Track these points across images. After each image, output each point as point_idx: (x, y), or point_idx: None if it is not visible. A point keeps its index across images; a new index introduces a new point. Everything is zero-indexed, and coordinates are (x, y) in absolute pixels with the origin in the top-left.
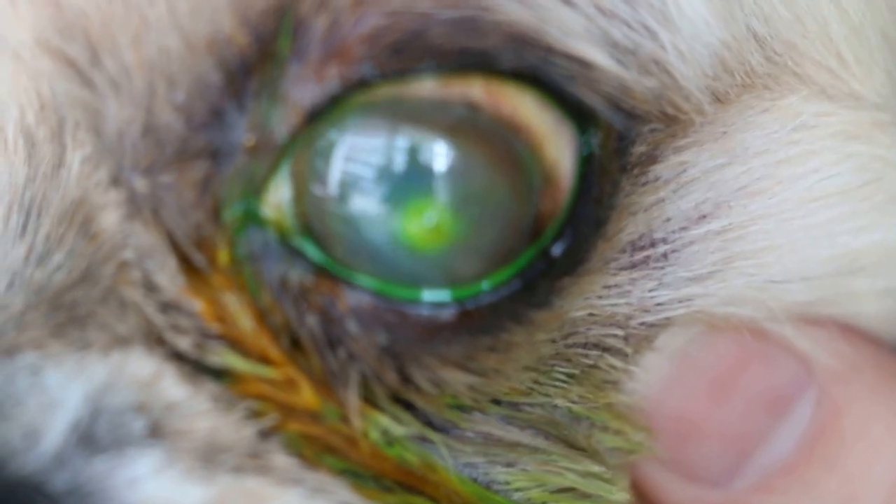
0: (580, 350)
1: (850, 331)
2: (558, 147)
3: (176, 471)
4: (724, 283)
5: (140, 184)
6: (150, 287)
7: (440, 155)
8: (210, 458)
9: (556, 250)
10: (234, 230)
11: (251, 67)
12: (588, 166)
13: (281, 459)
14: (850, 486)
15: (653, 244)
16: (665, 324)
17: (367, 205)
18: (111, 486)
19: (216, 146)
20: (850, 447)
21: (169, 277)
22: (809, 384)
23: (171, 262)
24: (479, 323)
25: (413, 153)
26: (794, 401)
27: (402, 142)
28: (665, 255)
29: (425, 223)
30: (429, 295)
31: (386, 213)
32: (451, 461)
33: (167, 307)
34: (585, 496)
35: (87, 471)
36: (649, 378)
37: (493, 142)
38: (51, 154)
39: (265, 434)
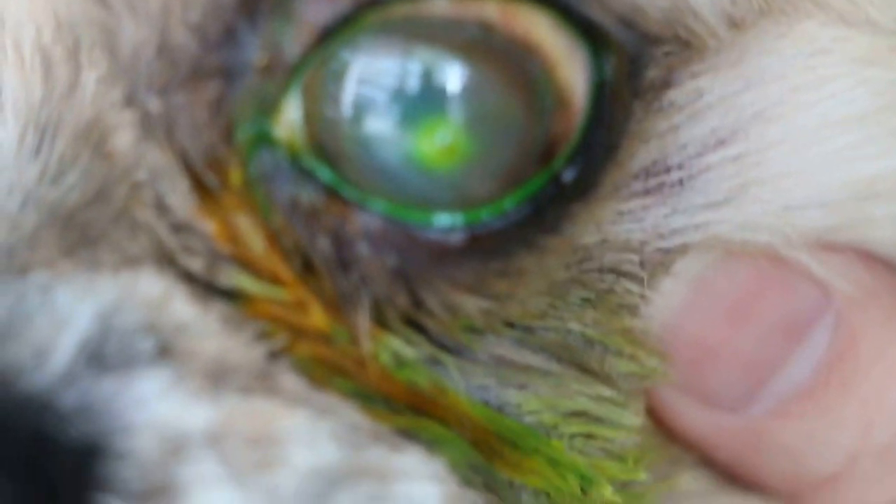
0: (595, 275)
1: (867, 257)
2: (572, 70)
3: (184, 391)
4: (740, 209)
5: (154, 104)
6: (162, 208)
7: (453, 75)
8: (218, 378)
9: (567, 176)
10: (247, 150)
11: None
12: (601, 91)
13: (289, 381)
14: (866, 410)
15: (667, 170)
16: (681, 250)
17: (379, 125)
18: (119, 405)
19: (229, 66)
20: (866, 372)
21: (181, 198)
22: (827, 310)
23: (184, 183)
24: (489, 247)
25: (426, 73)
26: (811, 326)
27: (415, 62)
28: (680, 182)
29: (438, 143)
30: (439, 218)
31: (399, 134)
32: (462, 384)
33: (179, 228)
34: (597, 420)
35: (95, 390)
36: (666, 303)
37: (507, 62)
38: (67, 74)
39: (274, 355)
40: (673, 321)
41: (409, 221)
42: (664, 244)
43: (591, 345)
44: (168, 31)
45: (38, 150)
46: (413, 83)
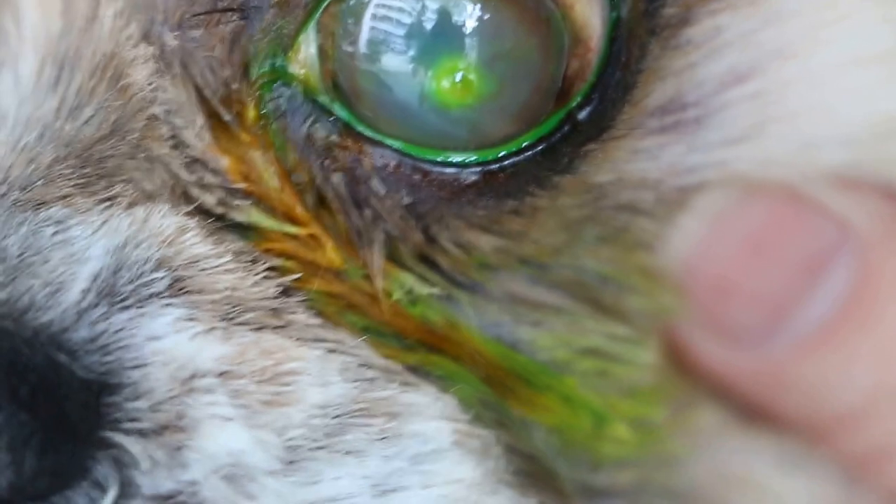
0: (610, 212)
1: (887, 193)
2: (588, 8)
3: (196, 326)
4: (758, 147)
5: (170, 39)
6: (177, 143)
7: (470, 13)
8: (230, 314)
9: (582, 115)
10: (262, 87)
11: None
12: (617, 29)
13: (301, 317)
14: (885, 346)
15: (684, 108)
16: (699, 187)
17: (395, 62)
18: (131, 340)
19: (246, 2)
20: (885, 308)
21: (196, 134)
22: (846, 246)
23: (199, 119)
24: (503, 185)
25: (443, 11)
26: (830, 263)
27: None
28: (697, 119)
29: (454, 80)
30: (454, 156)
31: (414, 71)
32: (475, 320)
33: (194, 163)
34: (611, 358)
35: (107, 324)
36: (684, 239)
37: (524, 1)
38: (85, 8)
39: (287, 291)
40: (691, 257)
41: (423, 159)
42: (681, 181)
43: (606, 282)
44: None
45: (56, 84)
46: (429, 21)
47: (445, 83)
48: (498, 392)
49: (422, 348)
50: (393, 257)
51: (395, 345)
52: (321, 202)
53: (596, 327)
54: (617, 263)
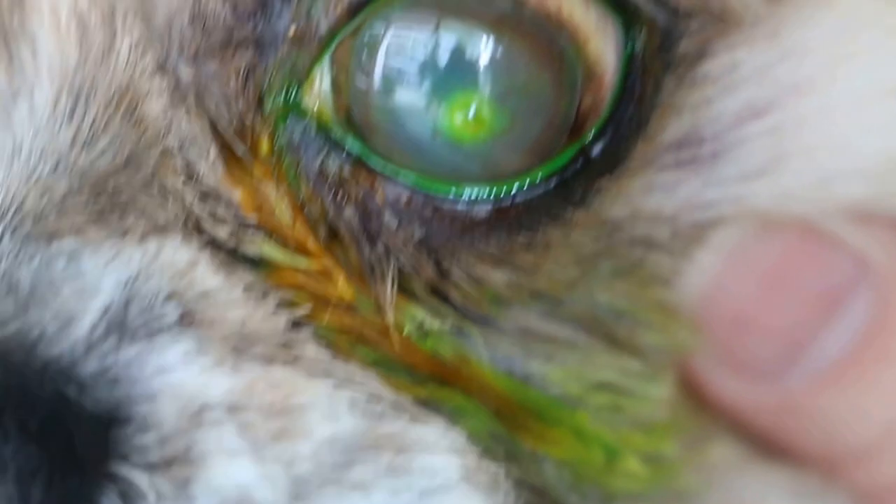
0: (625, 247)
1: None
2: (602, 43)
3: (205, 359)
4: (775, 181)
5: (185, 71)
6: (190, 175)
7: (484, 48)
8: (240, 347)
9: (596, 150)
10: (276, 119)
11: None
12: (631, 64)
13: (312, 350)
14: None
15: (700, 143)
16: (715, 221)
17: (409, 97)
18: (140, 373)
19: (261, 35)
20: None
21: (209, 166)
22: (864, 280)
23: (213, 151)
24: (515, 220)
25: (457, 46)
26: (848, 297)
27: (446, 35)
28: (714, 154)
29: (467, 116)
30: (466, 190)
31: (428, 106)
32: (487, 354)
33: (206, 195)
34: (624, 392)
35: (116, 357)
36: (703, 274)
37: (537, 36)
38: (102, 39)
39: (297, 324)
40: (709, 292)
41: (435, 193)
42: (697, 216)
43: (619, 316)
44: (202, 0)
45: (71, 115)
46: (443, 56)
47: (458, 118)
48: (509, 425)
49: (432, 382)
50: (404, 290)
51: (406, 378)
52: (333, 235)
53: (609, 362)
54: (631, 298)
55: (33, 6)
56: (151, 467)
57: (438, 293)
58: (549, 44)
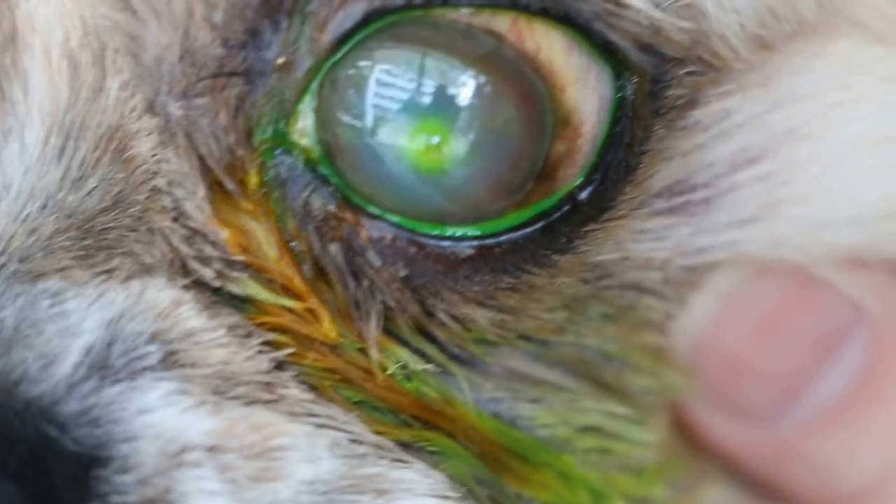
0: (615, 291)
1: None
2: (581, 92)
3: (186, 400)
4: (768, 228)
5: (175, 109)
6: (178, 215)
7: (462, 86)
8: (222, 388)
9: (584, 195)
10: (265, 153)
11: None
12: (621, 110)
13: (294, 392)
14: (895, 425)
15: (693, 189)
16: (709, 267)
17: (389, 134)
18: (121, 414)
19: (251, 66)
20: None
21: (197, 205)
22: (859, 326)
23: (201, 189)
24: (499, 261)
25: (435, 85)
26: (843, 342)
27: (424, 74)
28: (707, 200)
29: (431, 142)
30: (448, 230)
31: (403, 141)
32: (472, 396)
33: (193, 235)
34: (611, 436)
35: (97, 397)
36: (697, 319)
37: (514, 77)
38: (92, 78)
39: (280, 365)
40: (704, 336)
41: (419, 232)
42: (689, 262)
43: (608, 360)
44: (191, 34)
45: (61, 154)
46: (421, 95)
47: (422, 143)
48: (494, 468)
49: (416, 424)
50: (390, 330)
51: (389, 420)
52: (319, 272)
53: (595, 406)
54: (621, 342)
55: (25, 45)
56: None
57: (424, 333)
58: (525, 86)
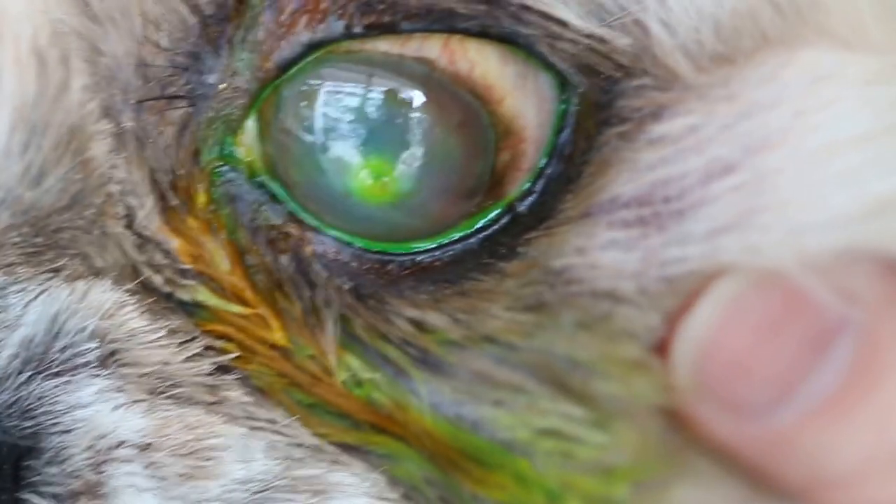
0: (587, 299)
1: (886, 268)
2: (521, 100)
3: (121, 398)
4: (745, 237)
5: (128, 118)
6: (130, 221)
7: (395, 114)
8: (159, 388)
9: (523, 206)
10: (211, 172)
11: (228, 14)
12: (563, 121)
13: (236, 394)
14: (883, 414)
15: (665, 201)
16: (687, 277)
17: (326, 155)
18: (53, 407)
19: (193, 89)
20: (886, 378)
21: (147, 215)
22: (847, 326)
23: (150, 200)
24: (440, 273)
25: (366, 111)
26: (834, 339)
27: (367, 97)
28: (680, 212)
29: (374, 178)
30: (386, 246)
31: (340, 167)
32: (430, 399)
33: (145, 243)
34: (569, 438)
35: (31, 390)
36: (701, 325)
37: (449, 100)
38: (59, 77)
39: (223, 368)
40: (707, 342)
41: (357, 247)
42: (666, 272)
43: (576, 367)
44: (144, 50)
45: (25, 149)
46: (368, 111)
47: (366, 179)
48: (448, 469)
49: (366, 427)
50: (351, 333)
51: (339, 423)
52: (275, 283)
53: (553, 408)
54: (594, 351)
55: None
56: (59, 499)
57: (382, 336)
58: (462, 106)
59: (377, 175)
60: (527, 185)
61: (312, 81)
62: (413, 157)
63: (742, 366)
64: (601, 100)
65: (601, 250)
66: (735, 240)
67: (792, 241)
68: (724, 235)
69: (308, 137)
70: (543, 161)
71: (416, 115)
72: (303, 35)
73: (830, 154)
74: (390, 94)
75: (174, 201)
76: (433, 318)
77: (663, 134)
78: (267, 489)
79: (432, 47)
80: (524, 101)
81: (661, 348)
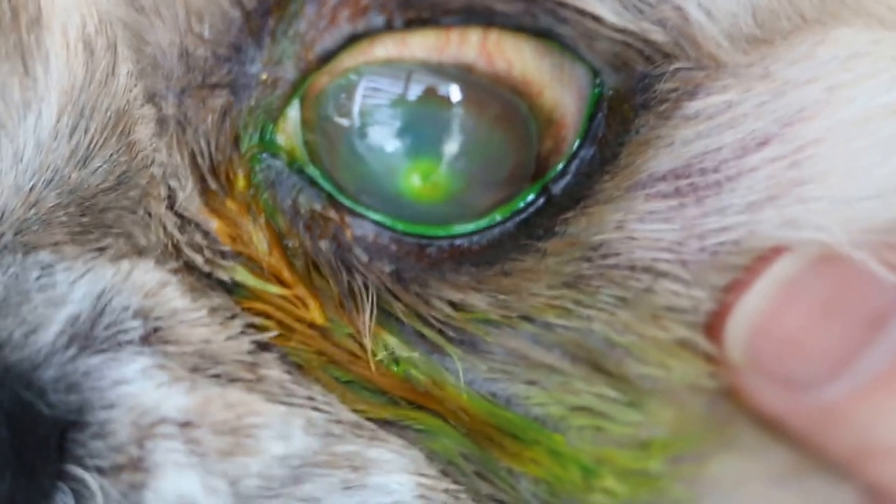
0: (625, 272)
1: None
2: (559, 90)
3: (163, 375)
4: (784, 209)
5: (170, 104)
6: (172, 203)
7: (440, 116)
8: (201, 366)
9: (557, 188)
10: (251, 158)
11: (270, 7)
12: (597, 107)
13: (275, 373)
14: None
15: (702, 173)
16: (730, 250)
17: (374, 147)
18: (99, 383)
19: (235, 79)
20: None
21: (188, 197)
22: None
23: (191, 183)
24: (479, 256)
25: (414, 111)
26: (890, 317)
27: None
28: (718, 183)
29: (425, 179)
30: (427, 230)
31: (390, 161)
32: (466, 377)
33: (186, 224)
34: (602, 416)
35: (77, 366)
36: (757, 304)
37: (490, 98)
38: (106, 63)
39: (263, 346)
40: (763, 319)
41: (398, 231)
42: (706, 244)
43: (612, 348)
44: (187, 40)
45: (72, 132)
46: (401, 119)
47: (416, 181)
48: (484, 445)
49: (404, 403)
50: (388, 312)
51: (376, 399)
52: (312, 266)
53: (587, 388)
54: (633, 330)
55: (49, 26)
56: (103, 471)
57: (420, 317)
58: (503, 103)
59: (426, 177)
60: (560, 167)
61: (358, 77)
62: (459, 154)
63: (797, 343)
64: (637, 86)
65: (638, 222)
66: (776, 211)
67: (836, 213)
68: (765, 207)
69: (352, 128)
70: (576, 144)
71: (456, 113)
72: (344, 27)
73: (868, 125)
74: (429, 93)
75: (214, 185)
76: (473, 299)
77: (699, 110)
78: (306, 465)
79: (469, 51)
80: (562, 90)
81: (709, 328)
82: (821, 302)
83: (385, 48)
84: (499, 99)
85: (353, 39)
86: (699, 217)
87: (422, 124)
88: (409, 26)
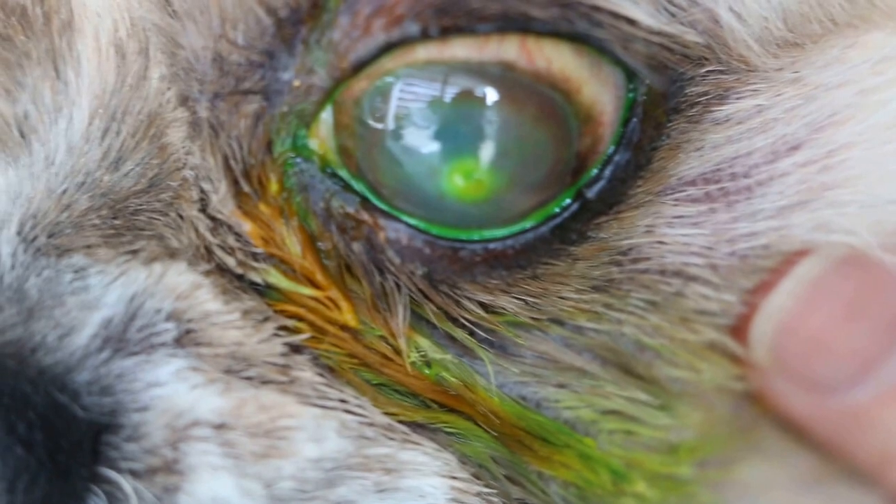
0: (655, 276)
1: None
2: (597, 85)
3: (197, 378)
4: (815, 213)
5: (203, 108)
6: (205, 206)
7: (480, 113)
8: (234, 368)
9: (591, 193)
10: (284, 162)
11: (303, 17)
12: (631, 112)
13: (308, 375)
14: None
15: (732, 178)
16: (760, 254)
17: (412, 150)
18: (132, 385)
19: (268, 85)
20: None
21: (220, 199)
22: None
23: (224, 186)
24: (512, 260)
25: (453, 112)
26: None
27: (451, 91)
28: (749, 188)
29: (468, 178)
30: (457, 233)
31: (430, 163)
32: (497, 380)
33: (218, 226)
34: (632, 419)
35: (111, 369)
36: (783, 304)
37: (531, 96)
38: (137, 67)
39: (296, 349)
40: (789, 319)
41: (431, 234)
42: (736, 248)
43: (642, 351)
44: (221, 46)
45: (104, 135)
46: (440, 120)
47: (459, 181)
48: (514, 448)
49: (435, 406)
50: (419, 316)
51: (408, 402)
52: (346, 268)
53: (618, 392)
54: (663, 334)
55: (81, 30)
56: (137, 474)
57: (452, 319)
58: (544, 100)
59: (469, 175)
60: (594, 172)
61: (391, 82)
62: (500, 152)
63: (822, 344)
64: (670, 89)
65: (668, 227)
66: (807, 216)
67: (868, 217)
68: (796, 211)
69: (390, 131)
70: (611, 148)
71: (496, 111)
72: (379, 36)
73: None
74: (467, 93)
75: (247, 188)
76: (504, 302)
77: (729, 115)
78: (339, 468)
79: (510, 49)
80: (600, 88)
81: (736, 330)
82: (847, 303)
83: (426, 50)
84: (539, 96)
85: (387, 48)
86: (729, 222)
87: (461, 124)
88: (445, 34)
